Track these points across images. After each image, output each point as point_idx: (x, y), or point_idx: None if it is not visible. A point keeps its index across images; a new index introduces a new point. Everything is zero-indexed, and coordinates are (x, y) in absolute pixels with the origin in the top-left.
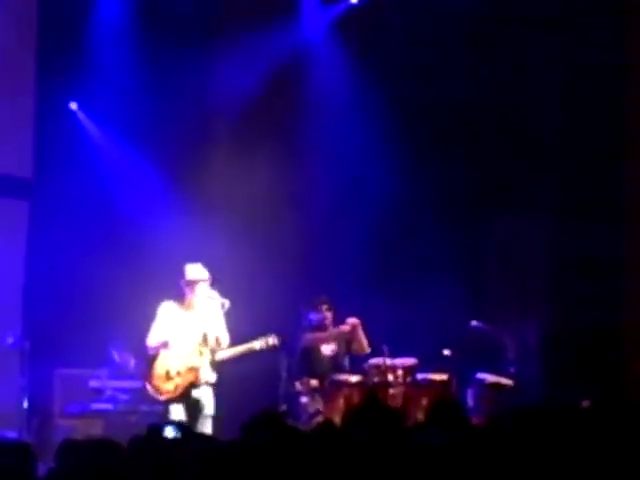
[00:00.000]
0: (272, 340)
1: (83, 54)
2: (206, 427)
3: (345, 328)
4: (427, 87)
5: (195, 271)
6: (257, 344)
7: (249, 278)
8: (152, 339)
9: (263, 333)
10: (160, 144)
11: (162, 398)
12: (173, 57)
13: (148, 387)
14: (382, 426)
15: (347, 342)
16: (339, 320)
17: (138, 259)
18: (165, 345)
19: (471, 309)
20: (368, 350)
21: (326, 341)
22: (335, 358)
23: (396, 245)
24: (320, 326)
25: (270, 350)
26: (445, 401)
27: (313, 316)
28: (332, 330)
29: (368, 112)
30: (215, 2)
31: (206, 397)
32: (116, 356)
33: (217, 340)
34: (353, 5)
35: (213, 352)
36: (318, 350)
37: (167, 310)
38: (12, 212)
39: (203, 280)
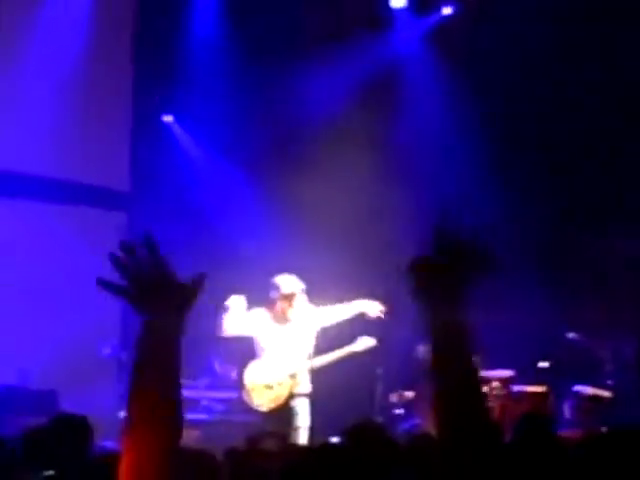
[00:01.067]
0: (369, 342)
1: (177, 68)
2: (302, 438)
3: None
4: (524, 100)
5: (291, 283)
6: (355, 347)
7: (341, 288)
8: (229, 325)
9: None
10: (253, 156)
11: (263, 409)
12: (265, 69)
13: (246, 397)
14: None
15: None
16: None
17: (234, 270)
18: (259, 352)
19: (568, 321)
20: None
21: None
22: None
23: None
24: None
25: (368, 352)
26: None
27: None
28: None
29: (462, 125)
30: (307, 16)
31: (302, 408)
32: (217, 367)
33: (314, 350)
34: (446, 16)
35: (311, 361)
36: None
37: (258, 316)
38: (111, 224)
39: (300, 292)
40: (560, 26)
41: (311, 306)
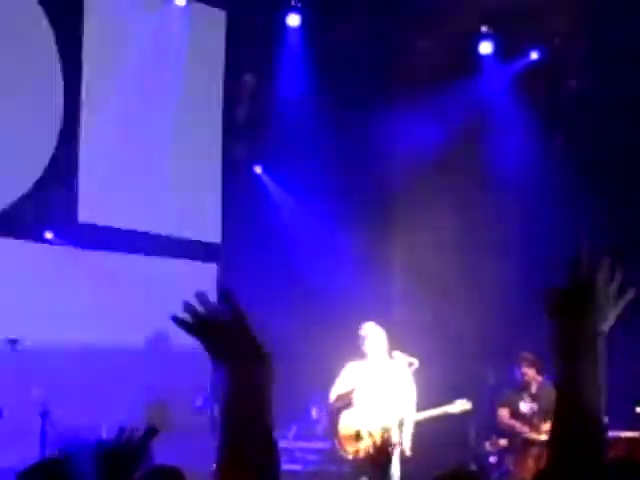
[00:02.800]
0: (466, 405)
1: (267, 116)
2: None
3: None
4: (612, 145)
5: (374, 333)
6: (451, 408)
7: (435, 333)
8: (333, 394)
9: (455, 397)
10: (343, 204)
11: (349, 457)
12: (356, 116)
13: (336, 444)
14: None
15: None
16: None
17: (323, 318)
18: (350, 402)
19: None
20: None
21: (523, 399)
22: (532, 417)
23: None
24: (519, 383)
25: (463, 414)
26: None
27: (515, 373)
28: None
29: (551, 171)
30: (395, 64)
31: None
32: (314, 413)
33: (407, 403)
34: (533, 61)
35: (406, 417)
36: (516, 408)
37: (352, 369)
38: (202, 275)
39: (379, 337)
40: None
41: (400, 354)
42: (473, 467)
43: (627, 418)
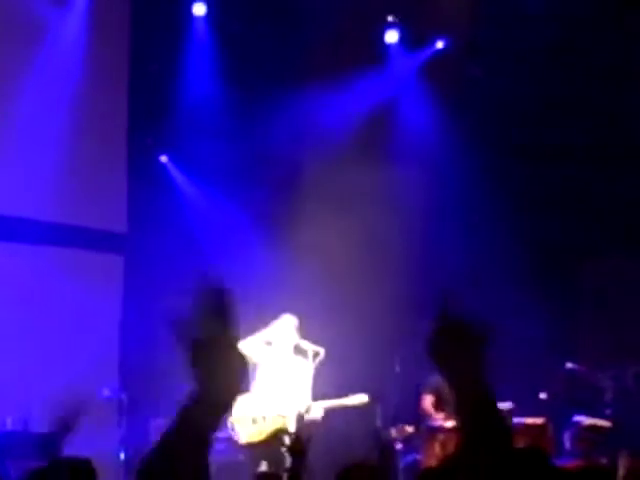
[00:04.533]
0: (363, 399)
1: (172, 107)
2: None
3: None
4: (519, 131)
5: (283, 320)
6: (349, 401)
7: (342, 326)
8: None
9: (362, 385)
10: (251, 192)
11: (242, 441)
12: (262, 104)
13: (229, 424)
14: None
15: None
16: None
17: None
18: (260, 383)
19: (567, 351)
20: None
21: None
22: None
23: (492, 287)
24: None
25: (361, 408)
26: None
27: None
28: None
29: (458, 157)
30: (302, 53)
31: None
32: None
33: (305, 393)
34: (439, 50)
35: (306, 407)
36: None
37: (252, 347)
38: (108, 266)
39: (291, 329)
40: (553, 56)
41: (307, 343)
42: (378, 452)
43: (530, 404)
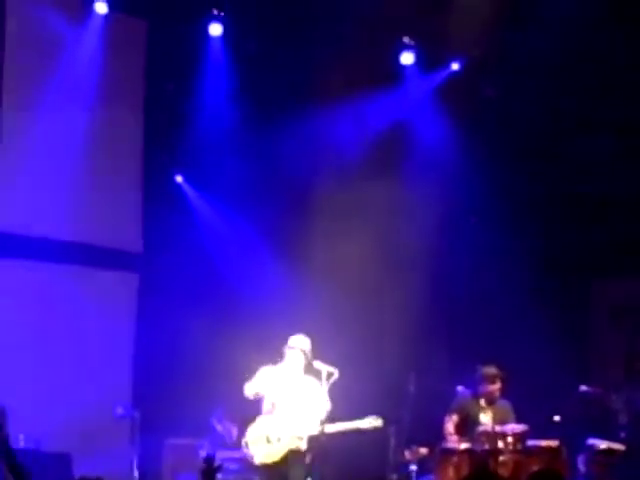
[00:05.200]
0: (375, 422)
1: (186, 126)
2: None
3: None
4: (533, 149)
5: (297, 341)
6: (362, 424)
7: (356, 345)
8: (248, 388)
9: (375, 405)
10: (265, 210)
11: (256, 461)
12: (276, 123)
13: (244, 444)
14: None
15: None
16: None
17: (242, 327)
18: (269, 408)
19: (581, 374)
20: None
21: (483, 411)
22: (489, 430)
23: (501, 308)
24: (481, 395)
25: (375, 431)
26: (545, 470)
27: (479, 386)
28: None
29: (472, 176)
30: (316, 67)
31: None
32: (218, 426)
33: (319, 414)
34: (454, 71)
35: (320, 429)
36: (476, 418)
37: (268, 373)
38: (123, 285)
39: (304, 349)
40: (567, 75)
41: (321, 363)
42: (393, 477)
43: (545, 427)
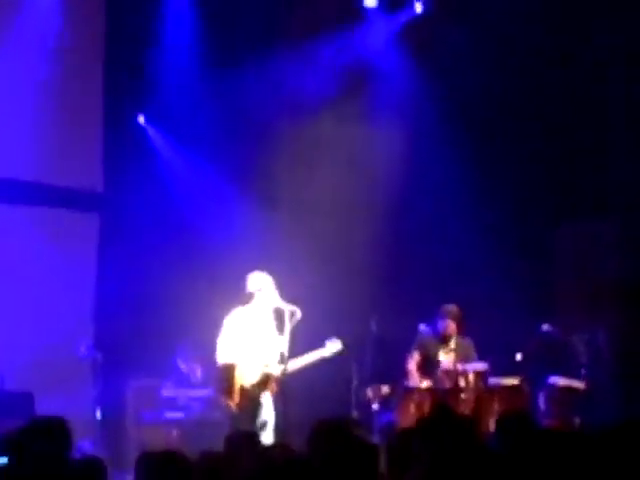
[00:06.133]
0: (337, 345)
1: (148, 67)
2: (268, 434)
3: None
4: (490, 93)
5: (259, 280)
6: (324, 352)
7: (317, 283)
8: (222, 354)
9: (327, 339)
10: (226, 151)
11: (234, 409)
12: (237, 63)
13: (222, 400)
14: (454, 437)
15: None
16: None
17: (206, 268)
18: (237, 360)
19: (542, 313)
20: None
21: (441, 350)
22: (448, 369)
23: (466, 249)
24: (440, 334)
25: (337, 355)
26: (513, 412)
27: (438, 324)
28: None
29: (432, 118)
30: (279, 8)
31: (269, 406)
32: (182, 365)
33: (282, 353)
34: (417, 15)
35: (282, 363)
36: (433, 355)
37: (234, 320)
38: (83, 225)
39: (268, 288)
40: (532, 24)
41: (283, 302)
42: (355, 415)
43: (506, 366)
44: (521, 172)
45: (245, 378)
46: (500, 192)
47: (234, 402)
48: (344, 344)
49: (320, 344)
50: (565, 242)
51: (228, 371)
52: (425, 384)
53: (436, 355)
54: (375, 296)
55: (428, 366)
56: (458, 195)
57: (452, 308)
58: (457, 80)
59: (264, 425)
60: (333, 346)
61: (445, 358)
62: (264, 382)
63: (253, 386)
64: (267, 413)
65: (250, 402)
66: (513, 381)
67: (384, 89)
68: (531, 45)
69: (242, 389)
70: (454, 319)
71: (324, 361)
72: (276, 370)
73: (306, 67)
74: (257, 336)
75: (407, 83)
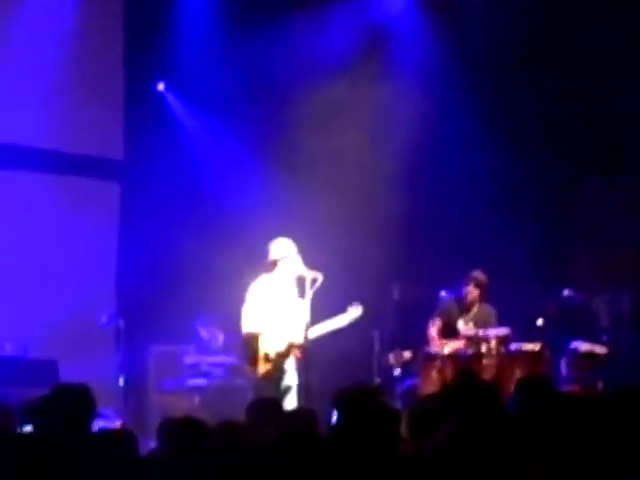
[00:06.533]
0: (357, 311)
1: (169, 35)
2: (292, 398)
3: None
4: (508, 53)
5: (283, 247)
6: (345, 318)
7: (338, 249)
8: (247, 323)
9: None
10: (245, 117)
11: (258, 377)
12: (255, 29)
13: (246, 368)
14: (477, 403)
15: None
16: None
17: (228, 235)
18: (262, 329)
19: (564, 278)
20: None
21: (462, 318)
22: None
23: (488, 216)
24: (463, 301)
25: (358, 320)
26: (533, 375)
27: (462, 290)
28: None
29: (450, 78)
30: None
31: (293, 372)
32: (203, 332)
33: (305, 320)
34: None
35: (306, 329)
36: (453, 322)
37: (259, 289)
38: (105, 194)
39: (291, 255)
40: None
41: (305, 269)
42: (377, 380)
43: (528, 331)
44: (542, 134)
45: (270, 346)
46: (520, 155)
47: (258, 370)
48: (365, 309)
49: (341, 310)
50: (585, 205)
51: (253, 340)
52: (447, 349)
53: (456, 322)
54: (396, 262)
55: (449, 333)
56: (478, 158)
57: (477, 274)
58: (474, 40)
59: (287, 390)
60: (355, 311)
61: (464, 327)
62: (288, 350)
63: (277, 354)
64: (291, 378)
65: (274, 369)
66: (535, 347)
67: (401, 51)
68: (554, 14)
69: (266, 357)
70: (478, 286)
71: (346, 327)
72: (299, 337)
73: (324, 30)
74: (281, 304)
75: (424, 44)
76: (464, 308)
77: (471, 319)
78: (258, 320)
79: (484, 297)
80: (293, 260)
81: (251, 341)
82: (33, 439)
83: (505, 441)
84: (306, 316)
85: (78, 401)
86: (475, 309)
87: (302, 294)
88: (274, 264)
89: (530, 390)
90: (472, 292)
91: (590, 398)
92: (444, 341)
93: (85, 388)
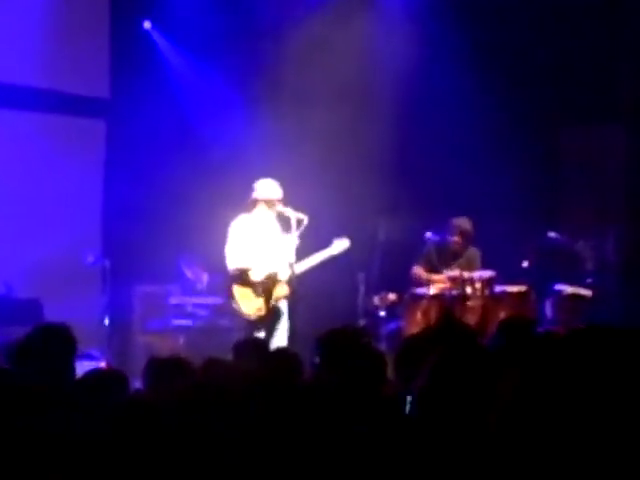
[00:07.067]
0: (344, 243)
1: None
2: (281, 339)
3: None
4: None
5: (268, 189)
6: (331, 250)
7: (324, 188)
8: (232, 261)
9: (339, 258)
10: (231, 57)
11: (252, 317)
12: None
13: (236, 307)
14: (458, 344)
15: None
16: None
17: (213, 175)
18: (247, 266)
19: (549, 220)
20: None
21: (450, 266)
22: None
23: (475, 157)
24: (449, 249)
25: (344, 253)
26: (514, 316)
27: (447, 238)
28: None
29: (440, 16)
30: None
31: (282, 311)
32: (188, 272)
33: (290, 257)
34: None
35: (291, 267)
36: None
37: (241, 227)
38: (90, 132)
39: (276, 198)
40: None
41: (290, 210)
42: (362, 322)
43: (512, 273)
44: (531, 75)
45: (256, 281)
46: (506, 97)
47: (246, 308)
48: (351, 243)
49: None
50: (572, 148)
51: (240, 276)
52: (432, 291)
53: (439, 269)
54: (383, 202)
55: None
56: (466, 97)
57: (462, 223)
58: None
59: (276, 330)
60: (341, 244)
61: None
62: (274, 283)
63: (264, 289)
64: (281, 319)
65: (264, 308)
66: (520, 288)
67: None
68: None
69: (254, 292)
70: (463, 234)
71: (331, 265)
72: (285, 273)
73: None
74: (264, 241)
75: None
76: (449, 256)
77: (457, 266)
78: (242, 256)
79: (470, 242)
80: (276, 201)
81: (237, 277)
82: (14, 378)
83: (479, 380)
84: (292, 253)
85: (59, 340)
86: (461, 258)
87: (287, 230)
88: (254, 203)
89: (508, 330)
90: (457, 241)
91: (566, 338)
92: (433, 276)
93: (65, 327)
